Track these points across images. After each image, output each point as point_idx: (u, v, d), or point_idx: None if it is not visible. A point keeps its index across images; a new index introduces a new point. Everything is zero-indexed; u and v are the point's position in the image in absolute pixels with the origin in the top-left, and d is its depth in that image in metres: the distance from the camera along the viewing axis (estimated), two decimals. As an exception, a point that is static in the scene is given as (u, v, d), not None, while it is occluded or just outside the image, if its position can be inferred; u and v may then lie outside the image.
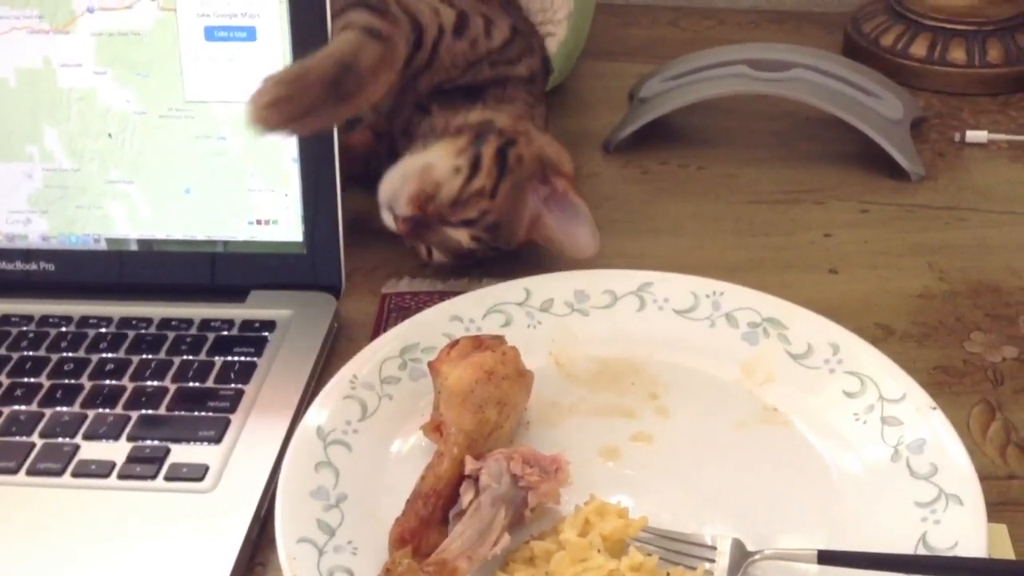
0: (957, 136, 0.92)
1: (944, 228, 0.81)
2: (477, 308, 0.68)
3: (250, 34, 0.67)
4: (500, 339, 0.61)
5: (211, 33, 0.67)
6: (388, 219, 0.72)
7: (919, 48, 1.01)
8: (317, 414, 0.59)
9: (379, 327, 0.70)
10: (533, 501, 0.53)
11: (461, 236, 0.71)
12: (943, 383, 0.65)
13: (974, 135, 0.91)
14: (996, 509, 0.55)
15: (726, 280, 0.69)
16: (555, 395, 0.63)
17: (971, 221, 0.81)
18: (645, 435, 0.61)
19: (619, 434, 0.61)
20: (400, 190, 0.71)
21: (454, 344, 0.60)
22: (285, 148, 0.69)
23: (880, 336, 0.69)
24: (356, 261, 0.74)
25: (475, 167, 0.70)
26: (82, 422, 0.61)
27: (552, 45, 0.91)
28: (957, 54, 1.00)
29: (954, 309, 0.72)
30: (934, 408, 0.58)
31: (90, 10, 0.67)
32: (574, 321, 0.68)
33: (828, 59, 0.93)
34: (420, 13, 0.73)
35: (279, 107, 0.59)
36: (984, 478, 0.54)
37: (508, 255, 0.74)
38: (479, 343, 0.59)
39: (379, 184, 0.72)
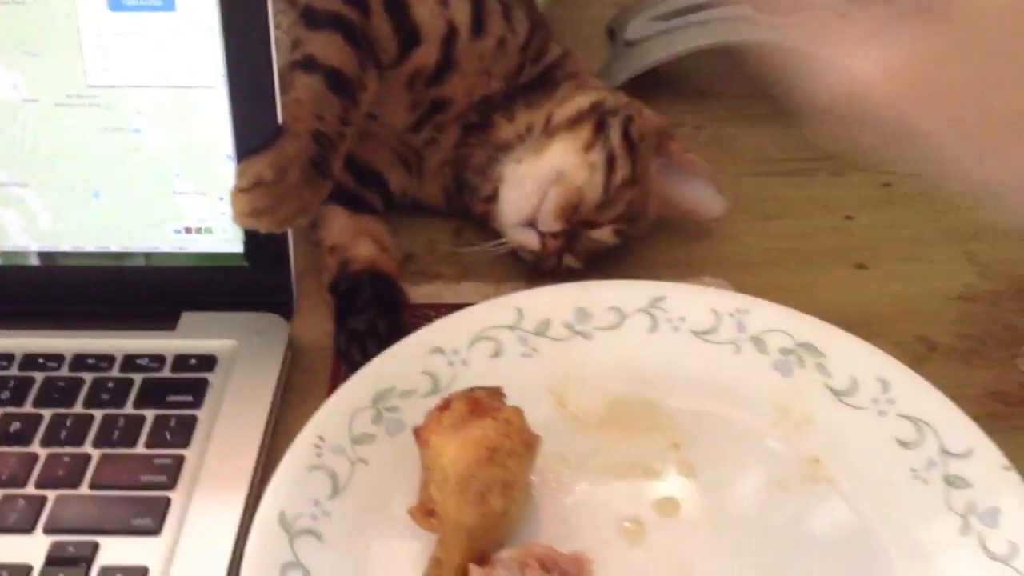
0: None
1: (977, 205, 0.71)
2: (461, 336, 0.57)
3: (166, 2, 0.53)
4: (498, 395, 0.50)
5: (117, 2, 0.53)
6: (529, 239, 0.62)
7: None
8: (278, 495, 0.49)
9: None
10: (554, 617, 0.44)
11: (605, 235, 0.62)
12: (997, 415, 0.57)
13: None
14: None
15: (740, 281, 0.61)
16: (562, 447, 0.53)
17: (1006, 195, 0.72)
18: (670, 502, 0.51)
19: (641, 501, 0.51)
20: (539, 206, 0.61)
21: (445, 406, 0.49)
22: (218, 143, 0.56)
23: (924, 353, 0.60)
24: (311, 274, 0.63)
25: (610, 158, 0.61)
26: (-14, 508, 0.49)
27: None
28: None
29: (1001, 315, 0.63)
30: (1008, 468, 0.50)
31: (-45, -29, 0.52)
32: (576, 347, 0.58)
33: (839, -6, 0.81)
34: (418, 5, 0.61)
35: (269, 215, 0.53)
36: (1062, 546, 0.47)
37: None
38: (475, 405, 0.49)
39: (497, 205, 0.63)
